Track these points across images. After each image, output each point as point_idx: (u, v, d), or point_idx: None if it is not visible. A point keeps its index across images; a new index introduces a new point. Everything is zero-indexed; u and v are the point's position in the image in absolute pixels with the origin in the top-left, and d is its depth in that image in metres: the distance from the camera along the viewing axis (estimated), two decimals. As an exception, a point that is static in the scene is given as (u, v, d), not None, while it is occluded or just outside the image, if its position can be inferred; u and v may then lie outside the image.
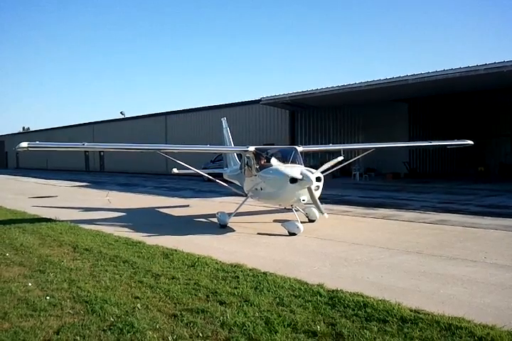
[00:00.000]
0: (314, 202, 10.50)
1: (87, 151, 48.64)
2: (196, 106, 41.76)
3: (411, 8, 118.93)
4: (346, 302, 5.75)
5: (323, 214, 10.80)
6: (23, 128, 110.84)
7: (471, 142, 15.35)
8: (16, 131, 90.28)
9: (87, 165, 55.13)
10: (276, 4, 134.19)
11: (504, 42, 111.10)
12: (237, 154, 16.03)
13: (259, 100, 30.75)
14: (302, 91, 27.36)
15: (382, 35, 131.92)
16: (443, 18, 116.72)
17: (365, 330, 4.91)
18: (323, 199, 14.56)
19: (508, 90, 28.22)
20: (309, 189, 10.27)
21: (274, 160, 11.55)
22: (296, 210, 12.25)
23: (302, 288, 6.40)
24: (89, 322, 5.27)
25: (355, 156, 16.24)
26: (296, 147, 12.83)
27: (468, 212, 14.30)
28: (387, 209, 15.37)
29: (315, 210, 12.76)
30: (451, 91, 27.87)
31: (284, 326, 5.05)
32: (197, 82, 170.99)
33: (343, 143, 30.51)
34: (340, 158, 12.41)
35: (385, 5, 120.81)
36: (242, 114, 35.69)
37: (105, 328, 5.11)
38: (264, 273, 7.22)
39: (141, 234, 11.21)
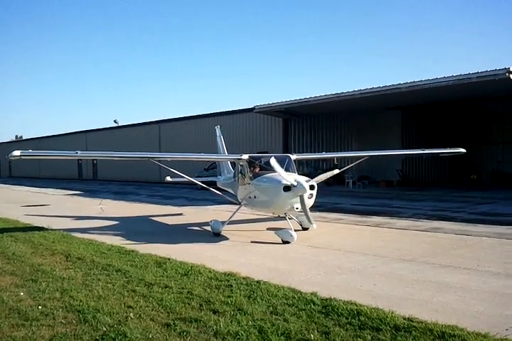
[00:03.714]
0: (304, 211, 10.45)
1: (80, 159, 48.39)
2: (190, 115, 41.84)
3: (408, 12, 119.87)
4: (340, 310, 5.74)
5: (311, 224, 10.80)
6: (16, 136, 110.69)
7: (463, 150, 15.45)
8: (9, 140, 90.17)
9: (80, 173, 54.87)
10: (269, 10, 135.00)
11: (498, 49, 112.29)
12: (230, 162, 16.04)
13: (253, 108, 30.83)
14: (296, 100, 27.46)
15: (378, 40, 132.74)
16: (439, 22, 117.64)
17: (358, 339, 4.91)
18: (317, 207, 14.64)
19: (500, 98, 28.48)
20: (301, 197, 10.27)
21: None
22: (289, 218, 12.25)
23: (296, 296, 6.39)
24: (81, 332, 5.23)
25: (348, 164, 16.28)
26: (290, 155, 12.84)
27: (461, 220, 14.36)
28: (380, 217, 15.40)
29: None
30: (444, 99, 28.08)
31: (278, 335, 5.04)
32: (191, 90, 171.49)
33: (337, 151, 30.58)
34: (336, 171, 12.52)
35: (384, 9, 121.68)
36: (236, 122, 35.74)
37: (98, 338, 5.08)
38: (257, 281, 7.21)
39: (134, 242, 11.16)
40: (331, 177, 13.88)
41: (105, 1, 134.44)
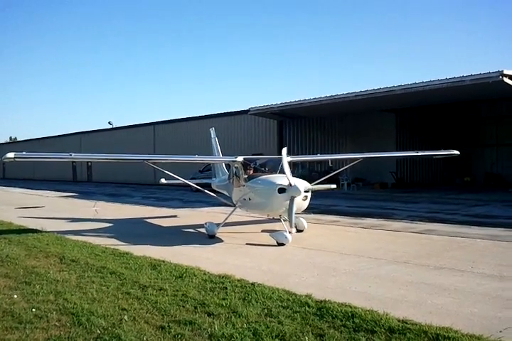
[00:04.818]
0: (289, 214, 10.37)
1: (75, 161, 48.26)
2: (184, 116, 41.86)
3: (406, 14, 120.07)
4: (334, 312, 5.74)
5: (291, 228, 10.81)
6: (10, 138, 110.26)
7: (457, 152, 15.50)
8: (3, 141, 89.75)
9: (75, 175, 54.64)
10: (265, 12, 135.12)
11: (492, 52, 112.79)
12: (225, 164, 16.03)
13: (248, 110, 30.83)
14: (290, 102, 27.50)
15: (375, 42, 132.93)
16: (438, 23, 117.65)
17: (353, 341, 4.91)
18: (312, 209, 14.65)
19: (493, 100, 28.66)
20: (291, 199, 10.27)
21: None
22: (284, 220, 12.25)
23: (290, 298, 6.39)
24: (75, 335, 5.21)
25: (343, 166, 16.30)
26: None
27: (455, 222, 14.41)
28: (374, 219, 15.43)
29: (303, 220, 12.79)
30: (438, 102, 28.19)
31: (272, 337, 5.03)
32: (186, 92, 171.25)
33: (331, 153, 30.61)
34: (333, 186, 13.35)
35: (380, 11, 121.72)
36: (231, 124, 35.75)
37: (92, 340, 5.06)
38: (252, 283, 7.20)
39: (129, 244, 11.14)
40: (325, 179, 13.94)
41: (101, 1, 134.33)
